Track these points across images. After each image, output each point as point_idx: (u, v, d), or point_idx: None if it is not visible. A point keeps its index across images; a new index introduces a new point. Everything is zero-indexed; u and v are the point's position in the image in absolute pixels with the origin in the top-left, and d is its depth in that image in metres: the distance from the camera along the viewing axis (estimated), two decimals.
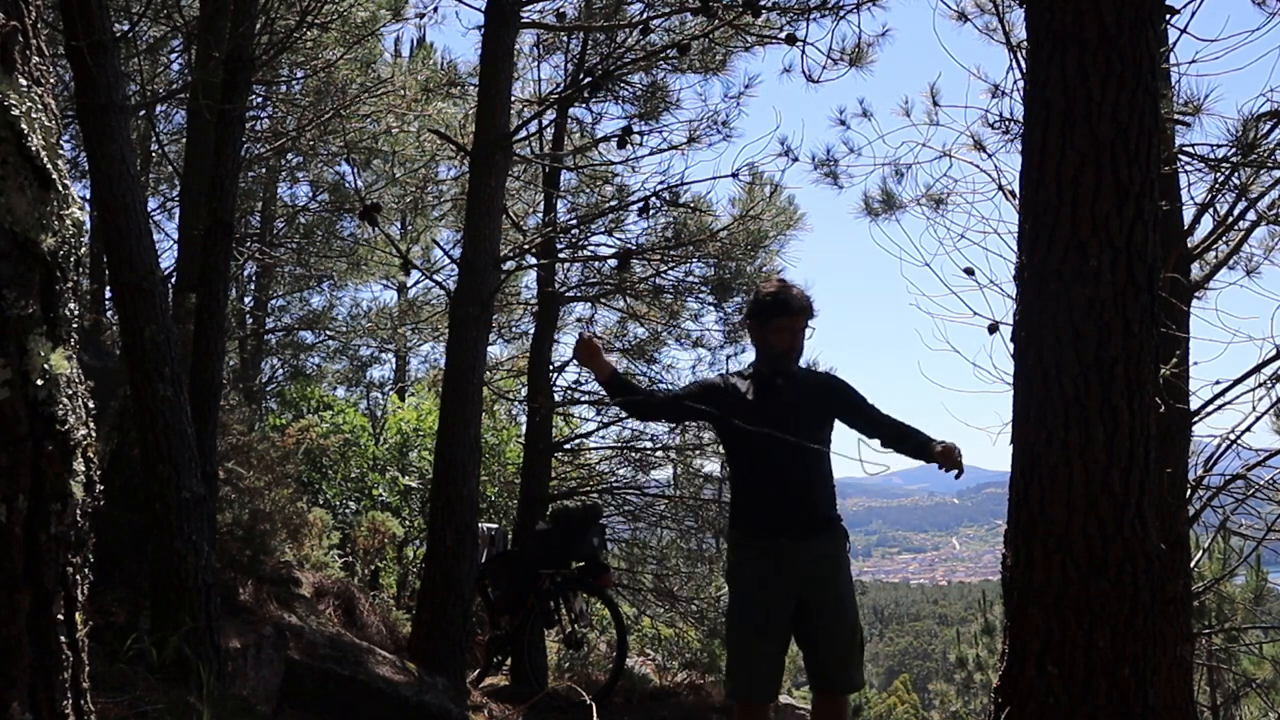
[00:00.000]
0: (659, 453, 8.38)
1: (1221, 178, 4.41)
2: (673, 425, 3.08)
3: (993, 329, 4.32)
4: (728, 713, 6.77)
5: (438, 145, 8.31)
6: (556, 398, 8.14)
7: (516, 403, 9.66)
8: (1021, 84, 2.42)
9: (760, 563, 3.28)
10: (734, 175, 7.32)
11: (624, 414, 3.68)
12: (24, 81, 1.34)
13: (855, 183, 8.18)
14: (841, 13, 5.88)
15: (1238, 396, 4.24)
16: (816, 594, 3.23)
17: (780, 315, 3.38)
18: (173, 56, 9.41)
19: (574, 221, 8.21)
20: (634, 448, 8.43)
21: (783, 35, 6.11)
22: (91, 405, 1.41)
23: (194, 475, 3.53)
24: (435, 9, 6.92)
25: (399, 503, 9.60)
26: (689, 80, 7.92)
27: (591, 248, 8.31)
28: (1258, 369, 4.14)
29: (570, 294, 8.30)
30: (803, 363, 3.53)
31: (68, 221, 1.37)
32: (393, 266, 11.61)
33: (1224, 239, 4.59)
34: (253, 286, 13.15)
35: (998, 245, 11.96)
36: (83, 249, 1.49)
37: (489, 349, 6.72)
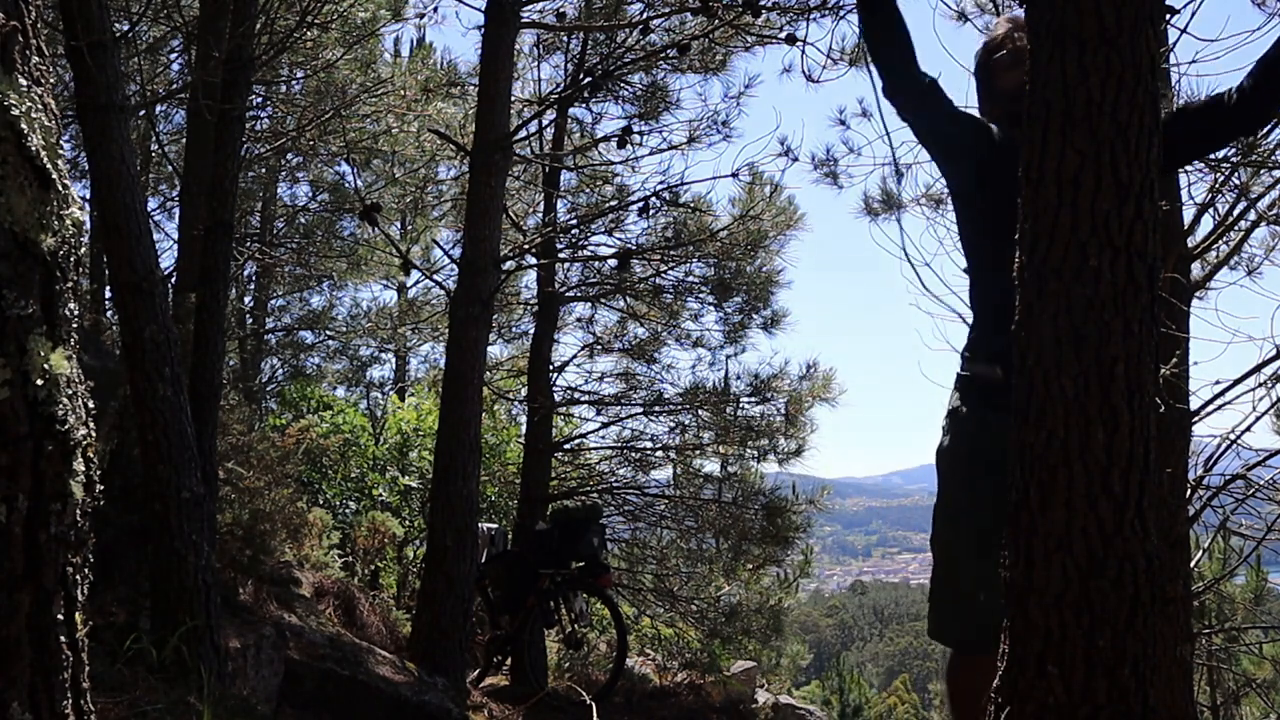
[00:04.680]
0: (659, 453, 8.39)
1: (1221, 178, 4.41)
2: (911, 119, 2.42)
3: None
4: (728, 713, 6.76)
5: (438, 145, 8.31)
6: (556, 398, 8.15)
7: (516, 403, 9.66)
8: None
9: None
10: (734, 175, 7.34)
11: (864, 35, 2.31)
12: (24, 81, 1.34)
13: (855, 183, 8.20)
14: (841, 13, 5.88)
15: (1238, 396, 4.24)
16: None
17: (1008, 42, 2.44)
18: (173, 56, 9.40)
19: (574, 221, 8.22)
20: (634, 448, 8.43)
21: (783, 35, 6.11)
22: (91, 405, 1.41)
23: (194, 475, 3.53)
24: (435, 9, 6.93)
25: (399, 503, 9.59)
26: (689, 80, 7.93)
27: (591, 248, 8.33)
28: (1258, 369, 4.14)
29: (570, 294, 8.31)
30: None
31: (68, 221, 1.37)
32: (393, 266, 11.61)
33: (1224, 239, 4.59)
34: (253, 286, 13.15)
35: None
36: (83, 249, 1.49)
37: (489, 349, 6.72)
